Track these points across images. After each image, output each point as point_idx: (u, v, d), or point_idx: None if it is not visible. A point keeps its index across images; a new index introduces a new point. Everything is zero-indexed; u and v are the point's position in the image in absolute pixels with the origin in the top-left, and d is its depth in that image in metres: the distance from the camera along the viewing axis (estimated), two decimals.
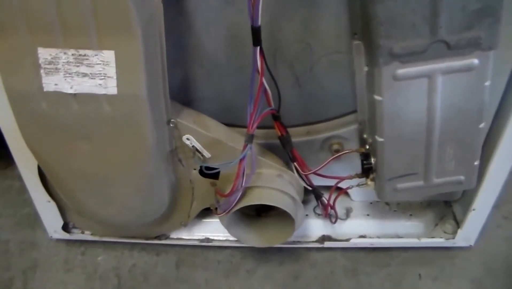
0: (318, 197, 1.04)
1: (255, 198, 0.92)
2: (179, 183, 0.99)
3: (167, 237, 1.15)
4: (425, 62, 0.76)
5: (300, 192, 1.02)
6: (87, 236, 1.17)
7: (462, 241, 1.12)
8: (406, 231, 1.15)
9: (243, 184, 0.90)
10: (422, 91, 0.79)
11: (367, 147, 0.93)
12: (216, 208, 0.97)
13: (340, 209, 1.11)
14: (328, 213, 1.07)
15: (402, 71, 0.76)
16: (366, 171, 0.94)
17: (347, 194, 1.14)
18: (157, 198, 0.98)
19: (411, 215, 1.17)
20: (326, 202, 1.03)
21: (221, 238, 1.14)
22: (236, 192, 0.90)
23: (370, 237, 1.13)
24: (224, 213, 0.95)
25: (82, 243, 1.21)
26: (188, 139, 0.91)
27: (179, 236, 1.15)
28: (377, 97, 0.80)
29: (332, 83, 0.92)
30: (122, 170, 0.90)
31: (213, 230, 1.15)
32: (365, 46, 0.81)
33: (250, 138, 0.86)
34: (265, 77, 0.83)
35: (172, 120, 0.88)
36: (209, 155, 0.93)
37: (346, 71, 0.89)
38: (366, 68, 0.83)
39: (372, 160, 0.92)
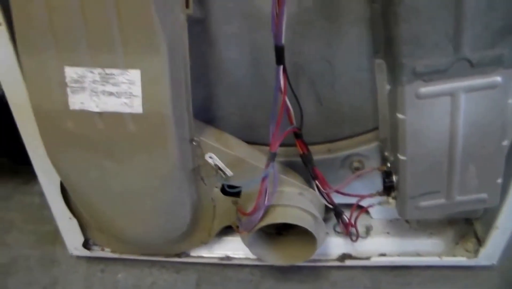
0: (339, 215, 1.02)
1: (277, 217, 0.92)
2: (201, 201, 0.98)
3: (187, 255, 1.15)
4: (448, 80, 0.76)
5: (321, 210, 1.01)
6: (107, 253, 1.17)
7: (484, 260, 1.10)
8: (427, 249, 1.13)
9: (266, 203, 0.90)
10: (445, 109, 0.79)
11: (389, 165, 0.93)
12: (237, 226, 0.97)
13: (360, 227, 1.08)
14: (349, 231, 1.06)
15: (425, 89, 0.77)
16: (388, 189, 0.93)
17: (367, 212, 1.10)
18: (179, 216, 0.98)
19: (431, 233, 1.14)
20: (347, 220, 1.02)
21: (241, 256, 1.13)
22: (258, 210, 0.90)
23: (391, 255, 1.12)
24: (246, 232, 0.95)
25: (102, 260, 1.20)
26: (210, 157, 0.91)
27: (199, 254, 1.14)
28: (400, 116, 0.80)
29: (353, 101, 0.92)
30: (146, 188, 0.91)
31: (233, 248, 1.13)
32: (387, 65, 0.81)
33: (272, 156, 0.86)
34: (287, 95, 0.84)
35: (195, 138, 0.88)
36: (231, 173, 0.93)
37: (367, 89, 0.90)
38: (388, 87, 0.83)
39: (394, 178, 0.91)
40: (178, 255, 1.14)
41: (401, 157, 0.84)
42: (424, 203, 0.90)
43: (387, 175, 0.93)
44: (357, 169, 0.99)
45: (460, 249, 1.13)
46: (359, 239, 1.09)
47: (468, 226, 1.16)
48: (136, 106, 0.79)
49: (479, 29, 0.71)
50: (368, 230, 1.17)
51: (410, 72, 0.75)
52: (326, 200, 0.98)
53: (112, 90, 0.79)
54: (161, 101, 0.78)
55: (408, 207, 0.91)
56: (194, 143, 0.88)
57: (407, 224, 1.18)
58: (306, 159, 0.94)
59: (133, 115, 0.80)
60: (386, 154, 0.95)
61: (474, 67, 0.74)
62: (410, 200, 0.89)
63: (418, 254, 1.13)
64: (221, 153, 0.90)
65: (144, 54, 0.76)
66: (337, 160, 0.99)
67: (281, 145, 0.88)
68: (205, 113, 0.94)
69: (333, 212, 1.02)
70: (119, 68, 0.77)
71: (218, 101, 0.94)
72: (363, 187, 1.00)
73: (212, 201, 1.00)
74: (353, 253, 1.13)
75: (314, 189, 0.97)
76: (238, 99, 0.93)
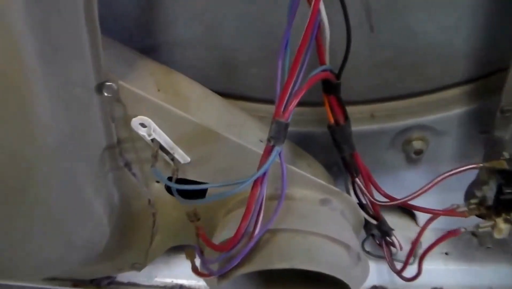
0: (385, 234, 0.63)
1: (281, 258, 0.47)
2: (129, 204, 0.57)
3: (111, 282, 0.76)
4: None
5: (357, 226, 0.60)
6: None
7: None
8: (504, 282, 0.79)
9: (259, 230, 0.44)
10: None
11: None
12: (198, 257, 0.52)
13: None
14: (393, 258, 0.67)
15: None
16: (503, 205, 0.52)
17: (410, 215, 0.78)
18: (83, 228, 0.55)
19: None
20: (396, 242, 0.63)
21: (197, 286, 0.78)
22: (242, 243, 0.45)
23: None
24: (216, 277, 0.50)
25: None
26: (143, 125, 0.46)
27: (132, 280, 0.78)
28: None
29: (430, 29, 0.55)
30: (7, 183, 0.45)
31: (186, 274, 0.78)
32: None
33: (280, 132, 0.42)
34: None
35: (107, 83, 0.43)
36: (188, 159, 0.49)
37: (463, 7, 0.53)
38: None
39: None
40: (96, 282, 0.76)
41: None
42: None
43: (506, 178, 0.50)
44: (417, 152, 0.64)
45: None
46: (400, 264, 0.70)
47: None
48: None
49: None
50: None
51: None
52: (369, 212, 0.59)
53: None
54: None
55: None
56: (105, 94, 0.42)
57: (474, 238, 0.79)
58: (341, 135, 0.52)
59: None
60: (497, 134, 0.54)
61: None
62: None
63: None
64: (166, 116, 0.47)
65: None
66: (385, 134, 0.64)
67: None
68: (143, 35, 0.54)
69: (377, 229, 0.63)
70: None
71: (171, 11, 0.53)
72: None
73: (150, 206, 0.56)
74: (390, 286, 0.79)
75: (348, 191, 0.57)
76: (210, 9, 0.53)
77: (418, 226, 0.80)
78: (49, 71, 0.36)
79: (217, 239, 0.49)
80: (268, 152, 0.41)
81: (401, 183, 0.66)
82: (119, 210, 0.58)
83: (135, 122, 0.45)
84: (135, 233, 0.63)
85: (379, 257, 0.72)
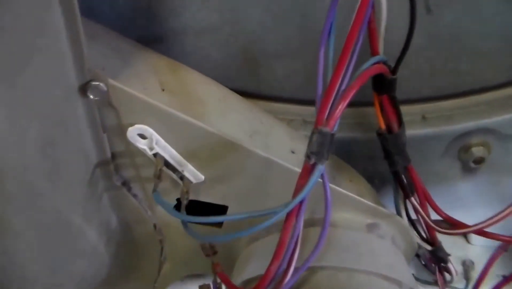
0: (441, 261, 0.54)
1: None
2: (131, 229, 0.49)
3: None
4: None
5: (409, 253, 0.51)
6: None
7: None
8: None
9: (293, 272, 0.35)
10: None
11: None
12: None
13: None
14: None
15: None
16: None
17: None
18: (70, 261, 0.48)
19: None
20: (453, 270, 0.54)
21: None
22: (273, 287, 0.35)
23: None
24: None
25: None
26: (142, 136, 0.38)
27: None
28: None
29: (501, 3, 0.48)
30: None
31: None
32: None
33: (324, 145, 0.32)
34: None
35: (93, 83, 0.34)
36: (202, 177, 0.40)
37: None
38: None
39: None
40: None
41: None
42: None
43: None
44: (478, 161, 0.56)
45: None
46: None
47: None
48: None
49: None
50: (466, 270, 0.68)
51: None
52: (425, 237, 0.50)
53: None
54: None
55: None
56: (92, 96, 0.33)
57: None
58: (395, 143, 0.44)
59: None
60: None
61: None
62: None
63: None
64: (172, 123, 0.39)
65: None
66: (439, 139, 0.56)
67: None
68: (147, 23, 0.47)
69: (432, 255, 0.54)
70: None
71: None
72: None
73: (156, 232, 0.47)
74: None
75: (400, 213, 0.48)
76: None
77: (470, 243, 0.68)
78: (11, 69, 0.27)
79: (239, 276, 0.40)
80: (307, 171, 0.31)
81: (453, 196, 0.59)
82: (119, 236, 0.49)
83: (132, 132, 0.36)
84: (141, 261, 0.55)
85: (427, 283, 0.64)
